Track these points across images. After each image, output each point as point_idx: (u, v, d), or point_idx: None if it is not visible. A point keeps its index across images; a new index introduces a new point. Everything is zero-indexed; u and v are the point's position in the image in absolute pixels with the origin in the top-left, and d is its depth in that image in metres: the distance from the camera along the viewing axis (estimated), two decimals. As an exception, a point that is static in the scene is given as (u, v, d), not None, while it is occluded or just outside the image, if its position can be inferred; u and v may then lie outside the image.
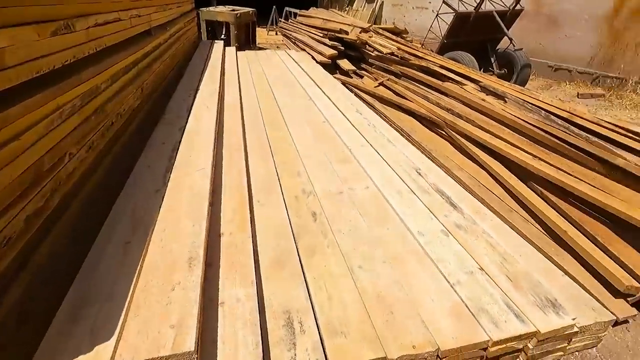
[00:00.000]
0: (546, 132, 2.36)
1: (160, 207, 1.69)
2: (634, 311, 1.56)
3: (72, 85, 1.70)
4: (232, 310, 1.28)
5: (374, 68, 4.87)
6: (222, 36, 6.96)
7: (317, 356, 1.17)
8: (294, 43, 6.96)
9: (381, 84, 4.34)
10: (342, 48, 5.44)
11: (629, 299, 1.58)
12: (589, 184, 1.98)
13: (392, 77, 4.38)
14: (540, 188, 2.14)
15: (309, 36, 6.40)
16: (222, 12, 6.89)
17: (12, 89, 1.26)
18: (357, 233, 1.75)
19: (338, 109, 3.38)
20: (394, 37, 5.68)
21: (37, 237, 1.38)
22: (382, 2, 10.24)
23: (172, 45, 4.30)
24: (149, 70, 3.19)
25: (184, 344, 1.05)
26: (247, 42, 7.35)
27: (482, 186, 2.34)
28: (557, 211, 1.98)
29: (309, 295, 1.40)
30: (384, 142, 2.74)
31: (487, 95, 3.26)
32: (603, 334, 1.52)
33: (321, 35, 6.05)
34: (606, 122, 2.37)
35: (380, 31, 5.89)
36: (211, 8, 7.36)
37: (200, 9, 6.97)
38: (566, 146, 2.22)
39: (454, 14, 5.27)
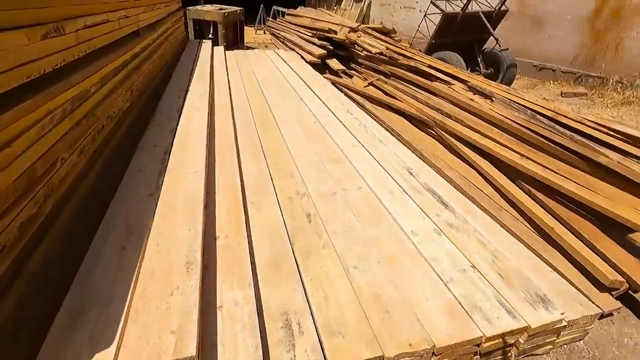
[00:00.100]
0: (533, 131, 2.43)
1: (154, 211, 1.68)
2: (619, 304, 1.63)
3: (63, 89, 1.68)
4: (230, 314, 1.28)
5: (363, 68, 4.90)
6: (210, 35, 6.88)
7: (317, 357, 1.19)
8: (283, 42, 6.94)
9: (371, 83, 4.37)
10: (331, 48, 5.44)
11: (613, 292, 1.65)
12: (575, 182, 2.04)
13: (382, 77, 4.41)
14: (528, 187, 2.20)
15: (298, 35, 6.38)
16: (209, 11, 6.83)
17: (4, 95, 1.25)
18: (352, 233, 1.78)
19: (328, 108, 3.40)
20: (382, 37, 5.71)
21: (31, 244, 1.37)
22: (370, 1, 10.28)
23: (161, 46, 4.25)
24: (138, 71, 3.15)
25: (185, 350, 1.06)
26: (235, 41, 7.29)
27: (472, 185, 2.39)
28: (545, 209, 2.04)
29: (306, 297, 1.42)
30: (375, 142, 2.77)
31: (474, 94, 3.32)
32: (590, 327, 1.58)
33: (310, 34, 6.04)
34: (589, 120, 2.44)
35: (369, 31, 5.91)
36: (198, 7, 7.27)
37: (188, 7, 6.89)
38: (552, 145, 2.28)
39: (441, 14, 5.34)
